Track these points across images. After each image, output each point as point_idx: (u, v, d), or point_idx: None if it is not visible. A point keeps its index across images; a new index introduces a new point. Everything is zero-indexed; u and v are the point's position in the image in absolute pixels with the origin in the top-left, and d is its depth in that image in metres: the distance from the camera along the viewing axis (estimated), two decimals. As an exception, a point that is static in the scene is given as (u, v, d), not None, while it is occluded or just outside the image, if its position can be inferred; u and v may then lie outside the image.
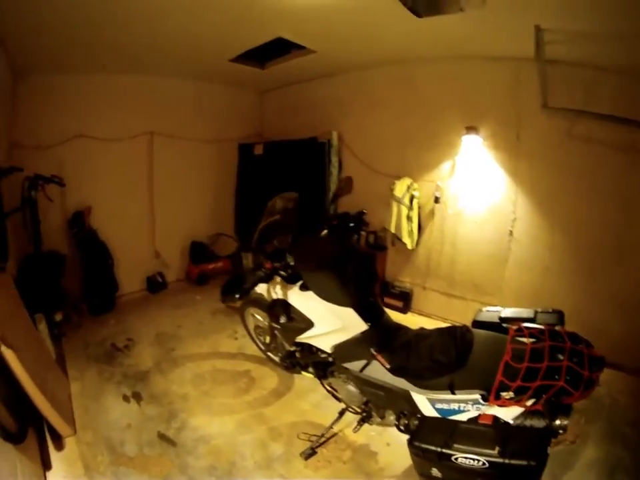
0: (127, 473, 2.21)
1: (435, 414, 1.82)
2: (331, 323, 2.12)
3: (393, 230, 4.29)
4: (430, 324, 4.16)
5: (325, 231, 2.62)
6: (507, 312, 1.91)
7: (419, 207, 4.28)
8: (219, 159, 5.70)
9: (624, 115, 2.90)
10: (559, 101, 3.12)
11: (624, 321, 3.24)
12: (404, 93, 4.39)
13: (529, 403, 1.51)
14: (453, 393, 1.72)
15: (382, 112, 4.61)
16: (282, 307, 2.19)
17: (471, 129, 3.81)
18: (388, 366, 1.93)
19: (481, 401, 1.64)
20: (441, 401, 1.79)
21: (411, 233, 4.25)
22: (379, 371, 2.00)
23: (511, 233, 3.81)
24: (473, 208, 4.02)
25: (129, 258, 4.77)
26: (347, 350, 2.13)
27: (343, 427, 2.57)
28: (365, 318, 2.08)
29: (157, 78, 4.70)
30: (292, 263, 2.19)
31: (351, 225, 2.72)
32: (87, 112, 4.29)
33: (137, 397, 2.91)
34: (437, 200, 4.19)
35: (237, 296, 2.11)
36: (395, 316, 4.17)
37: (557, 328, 1.67)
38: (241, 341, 3.76)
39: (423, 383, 1.83)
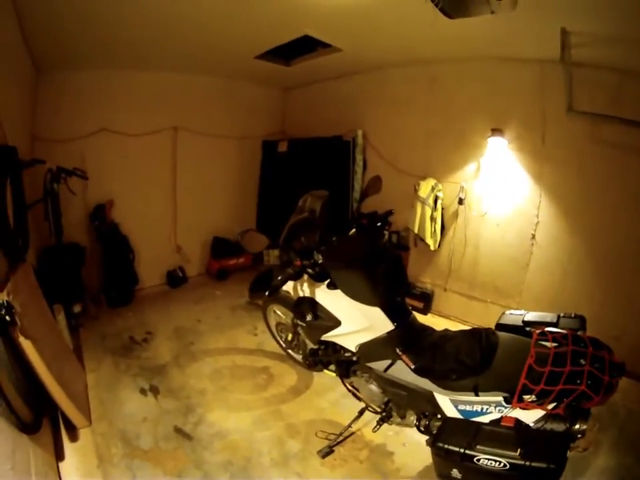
0: (141, 466, 2.18)
1: (458, 415, 1.85)
2: (357, 321, 2.13)
3: (416, 230, 4.24)
4: (450, 325, 4.09)
5: (354, 230, 2.61)
6: (530, 316, 1.94)
7: (443, 208, 4.23)
8: (243, 156, 5.69)
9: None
10: (583, 105, 3.06)
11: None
12: (430, 93, 4.33)
13: (551, 406, 1.54)
14: (477, 395, 1.75)
15: (407, 111, 4.55)
16: (308, 305, 2.23)
17: (496, 130, 3.76)
18: (413, 366, 1.97)
19: (504, 403, 1.68)
20: (464, 403, 1.82)
21: (434, 233, 4.21)
22: (403, 371, 2.02)
23: (533, 236, 3.75)
24: (496, 210, 3.97)
25: (150, 252, 4.79)
26: (372, 349, 2.15)
27: (361, 426, 2.55)
28: (392, 318, 2.08)
29: (182, 74, 4.70)
30: (320, 262, 2.17)
31: (379, 224, 2.74)
32: (110, 107, 4.31)
33: (154, 390, 2.89)
34: (460, 201, 4.13)
35: (267, 293, 2.10)
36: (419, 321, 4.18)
37: (579, 333, 1.71)
38: (261, 337, 3.74)
39: (447, 384, 1.84)
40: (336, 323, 2.20)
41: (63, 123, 4.02)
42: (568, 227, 3.56)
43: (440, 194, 4.16)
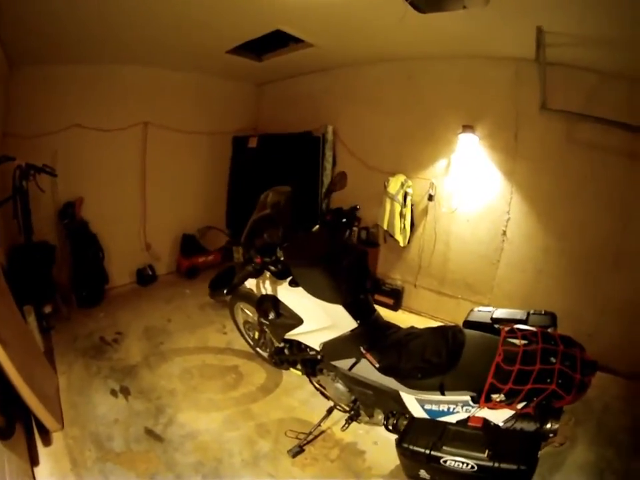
0: (114, 470, 2.21)
1: (424, 415, 1.83)
2: (320, 320, 2.12)
3: (385, 226, 4.30)
4: (420, 322, 4.21)
5: (317, 226, 2.61)
6: (499, 313, 1.92)
7: (412, 204, 4.29)
8: (213, 152, 5.66)
9: (626, 121, 2.91)
10: (558, 103, 3.11)
11: (618, 325, 3.27)
12: (402, 90, 4.38)
13: (520, 406, 1.50)
14: (443, 394, 1.72)
15: (379, 108, 4.60)
16: (271, 303, 2.18)
17: (467, 127, 3.80)
18: (377, 365, 1.93)
19: (471, 403, 1.64)
20: (431, 402, 1.79)
21: (403, 230, 4.26)
22: (367, 369, 2.00)
23: (504, 232, 3.83)
24: (466, 207, 4.04)
25: (120, 250, 4.74)
26: (335, 348, 2.13)
27: (331, 425, 2.58)
28: (355, 315, 2.07)
29: (153, 69, 4.65)
30: (282, 258, 2.17)
31: (344, 220, 2.71)
32: (81, 102, 4.23)
33: (125, 391, 2.91)
34: (430, 198, 4.20)
35: (225, 292, 2.09)
36: (385, 313, 4.16)
37: (549, 330, 1.68)
38: (230, 335, 3.77)
39: (413, 383, 1.82)
40: (298, 321, 2.19)
41: (35, 118, 3.94)
42: (541, 224, 3.65)
43: (409, 190, 4.22)
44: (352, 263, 2.17)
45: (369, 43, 3.82)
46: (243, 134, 5.70)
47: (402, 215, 4.22)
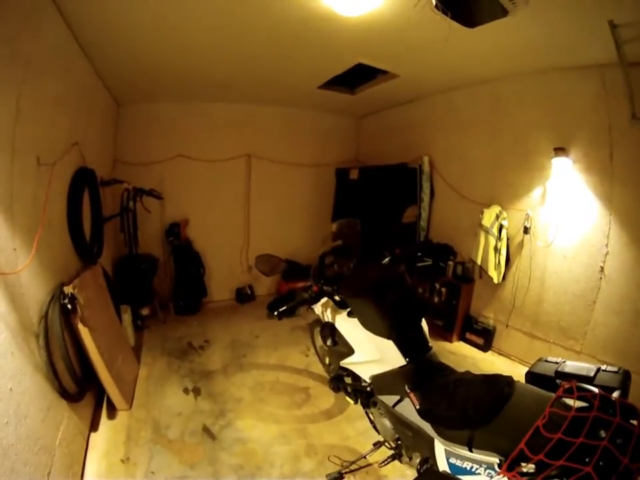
0: (161, 452, 2.42)
1: (447, 469, 1.65)
2: (369, 352, 2.07)
3: (479, 262, 4.01)
4: (508, 366, 3.84)
5: (387, 259, 2.56)
6: (566, 366, 1.73)
7: (508, 238, 3.97)
8: (317, 183, 5.98)
9: None
10: None
11: None
12: (488, 114, 4.19)
13: None
14: (470, 451, 1.52)
15: (469, 134, 4.44)
16: (329, 330, 2.21)
17: (559, 150, 3.43)
18: (417, 406, 1.82)
19: (496, 468, 1.41)
20: (456, 457, 1.61)
21: (498, 265, 3.94)
22: (409, 410, 1.88)
23: (602, 269, 3.29)
24: (562, 240, 3.60)
25: (222, 269, 5.23)
26: (383, 382, 2.06)
27: (378, 459, 2.41)
28: (405, 352, 1.97)
29: (252, 105, 5.17)
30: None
31: (419, 254, 2.66)
32: (186, 135, 4.89)
33: (196, 391, 3.15)
34: (526, 230, 3.82)
35: (276, 314, 2.14)
36: (473, 354, 4.08)
37: (614, 394, 1.35)
38: (311, 358, 3.82)
39: (445, 432, 1.67)
40: (350, 351, 2.16)
41: (143, 148, 4.67)
42: None
43: (505, 222, 3.92)
44: (399, 296, 2.10)
45: (443, 68, 3.76)
46: (345, 166, 5.92)
47: (497, 250, 3.92)
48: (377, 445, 2.38)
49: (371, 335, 2.01)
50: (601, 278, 3.30)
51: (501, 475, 1.33)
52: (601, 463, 1.11)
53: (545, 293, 3.75)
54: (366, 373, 2.14)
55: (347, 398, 2.60)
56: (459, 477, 1.57)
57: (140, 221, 4.17)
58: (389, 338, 1.96)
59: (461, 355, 4.03)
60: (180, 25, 2.75)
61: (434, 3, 2.11)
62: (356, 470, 2.40)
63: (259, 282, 5.62)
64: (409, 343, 2.00)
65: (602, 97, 3.18)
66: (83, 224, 2.86)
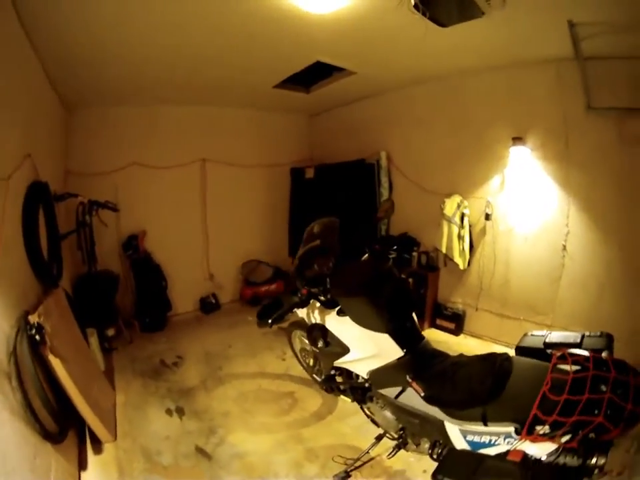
0: (159, 480, 2.25)
1: (466, 446, 1.76)
2: (366, 348, 2.11)
3: (444, 250, 4.18)
4: (482, 345, 4.04)
5: (366, 255, 2.62)
6: (553, 336, 1.82)
7: (470, 225, 4.16)
8: (271, 184, 5.90)
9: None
10: (605, 100, 2.92)
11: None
12: (448, 108, 4.35)
13: (564, 439, 1.39)
14: (486, 425, 1.65)
15: (428, 129, 4.58)
16: (320, 332, 2.20)
17: (517, 139, 3.67)
18: (422, 394, 1.89)
19: (514, 435, 1.55)
20: (473, 433, 1.73)
21: (462, 252, 4.13)
22: (413, 398, 1.95)
23: (564, 247, 3.55)
24: (524, 224, 3.83)
25: (183, 279, 4.99)
26: (382, 376, 2.11)
27: (381, 452, 2.48)
28: (401, 344, 2.04)
29: (207, 107, 5.01)
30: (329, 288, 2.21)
31: (395, 247, 2.71)
32: (140, 141, 4.64)
33: (180, 411, 2.98)
34: (487, 217, 4.03)
35: (269, 321, 2.13)
36: (447, 338, 4.18)
37: (603, 354, 1.54)
38: (289, 362, 3.76)
39: (456, 412, 1.77)
40: (345, 350, 2.19)
41: (96, 157, 4.36)
42: (603, 235, 3.34)
43: (466, 211, 4.11)
44: (393, 291, 2.17)
45: (405, 65, 3.84)
46: (299, 165, 5.91)
47: (460, 237, 4.10)
48: (379, 437, 2.40)
49: (366, 331, 2.05)
50: (564, 256, 3.55)
51: (522, 440, 1.49)
52: (609, 412, 1.30)
53: (511, 274, 3.97)
54: (363, 370, 2.18)
55: (342, 397, 2.66)
56: (481, 450, 1.67)
57: (96, 236, 3.87)
58: (385, 332, 2.01)
59: (435, 341, 4.02)
60: (135, 24, 2.60)
61: (413, 2, 2.15)
62: (361, 466, 2.40)
63: (222, 289, 5.46)
64: (405, 334, 2.09)
65: (557, 89, 3.41)
66: (40, 244, 2.59)
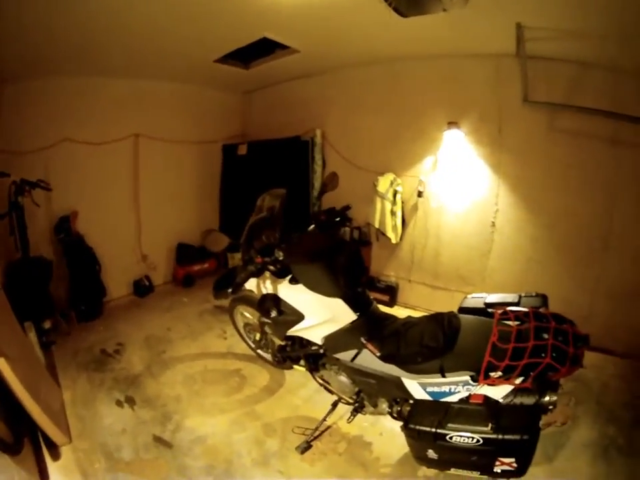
0: (125, 478, 2.23)
1: (427, 397, 1.89)
2: (320, 314, 2.19)
3: (377, 225, 4.36)
4: (416, 315, 4.26)
5: (312, 226, 2.69)
6: (492, 298, 1.98)
7: (403, 202, 4.36)
8: (204, 160, 5.69)
9: (607, 108, 2.99)
10: (541, 96, 3.20)
11: (611, 306, 3.36)
12: (387, 91, 4.45)
13: (518, 381, 1.57)
14: (444, 376, 1.78)
15: (366, 110, 4.66)
16: (272, 301, 2.23)
17: (452, 124, 3.90)
18: (378, 353, 1.99)
19: (471, 382, 1.71)
20: (432, 385, 1.85)
21: (394, 227, 4.33)
22: (369, 359, 2.05)
23: (493, 224, 3.91)
24: (455, 201, 4.12)
25: (116, 262, 4.74)
26: (337, 340, 2.19)
27: (336, 419, 2.62)
28: (354, 308, 2.15)
29: (141, 80, 4.66)
30: (281, 258, 2.23)
31: (337, 219, 2.82)
32: (71, 116, 4.23)
33: (130, 401, 2.92)
34: (420, 194, 4.27)
35: (230, 290, 2.15)
36: (382, 310, 4.29)
37: (541, 310, 1.74)
38: (230, 340, 3.80)
39: (413, 367, 1.88)
40: (300, 317, 2.24)
41: (25, 134, 3.93)
42: (529, 213, 3.72)
43: (399, 188, 4.29)
44: (347, 258, 2.24)
45: (352, 47, 3.86)
46: (232, 142, 5.74)
47: (393, 213, 4.30)
48: (335, 404, 2.53)
49: (321, 296, 2.14)
50: (492, 232, 3.91)
51: (480, 385, 1.67)
52: (554, 355, 1.49)
53: (442, 248, 4.26)
54: (318, 336, 2.27)
55: (296, 367, 2.76)
56: (441, 399, 1.83)
57: (27, 219, 3.53)
58: (339, 297, 2.11)
59: (370, 312, 4.39)
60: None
61: None
62: (320, 435, 2.52)
63: (154, 271, 5.26)
64: (357, 299, 2.19)
65: (495, 82, 3.67)
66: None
